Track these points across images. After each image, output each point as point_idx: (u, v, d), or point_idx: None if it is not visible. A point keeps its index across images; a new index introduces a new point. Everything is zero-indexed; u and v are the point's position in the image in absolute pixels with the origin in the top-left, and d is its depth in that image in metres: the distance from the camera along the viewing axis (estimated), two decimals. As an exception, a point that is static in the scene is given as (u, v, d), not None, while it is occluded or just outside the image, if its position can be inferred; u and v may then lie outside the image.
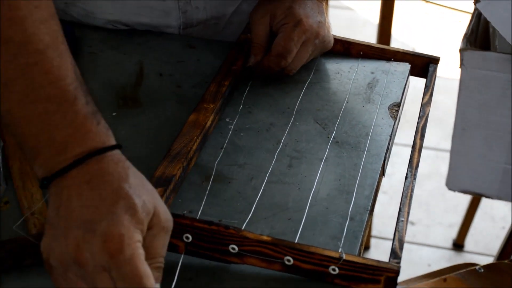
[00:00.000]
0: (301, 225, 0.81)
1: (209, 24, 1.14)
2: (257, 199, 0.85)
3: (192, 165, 0.89)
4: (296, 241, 0.79)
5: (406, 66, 1.07)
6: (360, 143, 0.94)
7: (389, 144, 0.94)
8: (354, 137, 0.95)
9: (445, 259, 2.11)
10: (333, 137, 0.95)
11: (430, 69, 1.07)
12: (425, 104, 1.01)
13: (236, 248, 0.76)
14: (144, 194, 0.67)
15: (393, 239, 0.79)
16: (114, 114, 0.98)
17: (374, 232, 2.16)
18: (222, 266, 0.78)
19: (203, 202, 0.84)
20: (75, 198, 0.67)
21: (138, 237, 0.64)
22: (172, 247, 0.76)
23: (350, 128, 0.96)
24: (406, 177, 0.87)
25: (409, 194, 0.85)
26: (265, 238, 0.75)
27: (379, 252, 2.11)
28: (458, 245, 2.14)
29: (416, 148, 0.93)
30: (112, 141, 0.70)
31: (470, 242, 2.15)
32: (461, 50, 1.09)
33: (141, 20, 1.13)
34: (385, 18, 1.86)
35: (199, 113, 0.92)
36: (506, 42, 1.11)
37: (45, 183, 0.68)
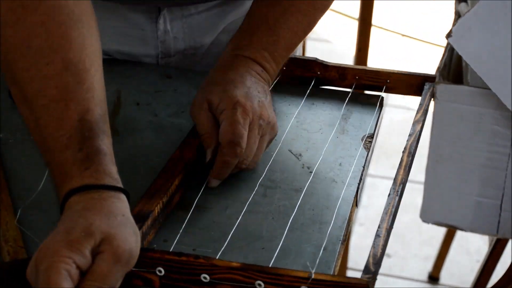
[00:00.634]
0: (275, 254, 0.82)
1: (187, 54, 1.15)
2: (233, 228, 0.85)
3: (177, 200, 0.89)
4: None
5: (379, 98, 1.09)
6: (334, 174, 0.95)
7: (362, 174, 0.95)
8: (328, 167, 0.96)
9: (420, 292, 2.12)
10: (307, 167, 0.96)
11: (425, 87, 1.08)
12: (417, 122, 1.00)
13: (208, 277, 0.76)
14: (98, 219, 0.72)
15: (368, 255, 0.77)
16: (90, 142, 0.98)
17: (350, 263, 2.16)
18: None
19: (180, 231, 0.85)
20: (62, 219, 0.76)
21: (68, 253, 0.69)
22: (147, 282, 0.77)
23: (324, 159, 0.97)
24: (389, 194, 0.86)
25: (389, 210, 0.83)
26: (234, 264, 0.76)
27: (355, 283, 2.11)
28: (433, 277, 2.14)
29: (402, 165, 0.91)
30: (103, 181, 0.76)
31: (445, 275, 2.16)
32: (434, 84, 1.10)
33: (120, 49, 1.14)
34: (361, 50, 1.89)
35: (183, 148, 0.93)
36: (478, 76, 1.13)
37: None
